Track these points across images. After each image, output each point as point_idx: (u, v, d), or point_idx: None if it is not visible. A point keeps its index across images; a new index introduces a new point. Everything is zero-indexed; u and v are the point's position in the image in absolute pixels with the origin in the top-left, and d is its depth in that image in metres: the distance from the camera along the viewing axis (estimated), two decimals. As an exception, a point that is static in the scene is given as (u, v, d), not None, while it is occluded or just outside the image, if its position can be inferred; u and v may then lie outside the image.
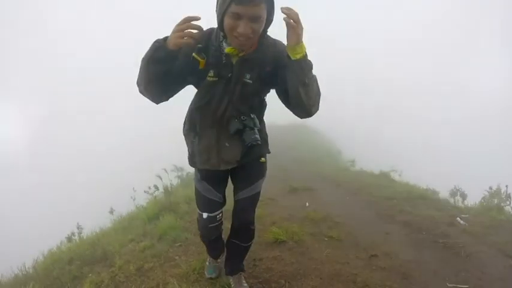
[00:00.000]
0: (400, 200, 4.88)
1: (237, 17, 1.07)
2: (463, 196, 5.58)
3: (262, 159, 1.64)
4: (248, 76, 1.28)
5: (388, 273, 2.51)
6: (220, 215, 1.76)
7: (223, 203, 1.76)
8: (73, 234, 4.83)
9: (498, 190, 4.90)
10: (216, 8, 1.17)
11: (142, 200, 5.77)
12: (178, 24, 1.09)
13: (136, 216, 4.46)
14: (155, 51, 1.13)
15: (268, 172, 1.82)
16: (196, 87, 1.42)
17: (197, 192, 1.72)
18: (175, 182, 6.51)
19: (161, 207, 4.27)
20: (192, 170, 2.14)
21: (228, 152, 1.43)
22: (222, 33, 1.20)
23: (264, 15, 1.13)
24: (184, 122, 1.54)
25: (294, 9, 1.09)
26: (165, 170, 5.69)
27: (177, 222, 3.60)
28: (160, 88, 1.28)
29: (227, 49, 1.22)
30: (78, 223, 5.21)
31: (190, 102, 1.50)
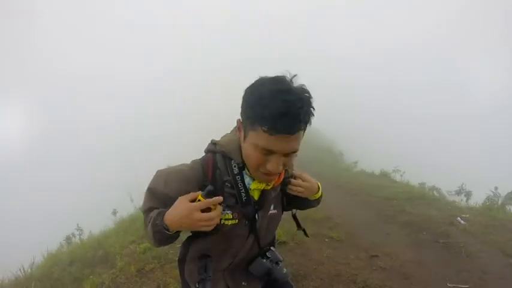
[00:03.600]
0: (400, 200, 4.88)
1: (267, 152, 0.84)
2: (468, 195, 5.59)
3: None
4: (272, 206, 1.05)
5: (388, 273, 2.52)
6: None
7: None
8: (73, 235, 4.85)
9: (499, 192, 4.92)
10: (244, 123, 0.86)
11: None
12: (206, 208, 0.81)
13: (137, 218, 4.46)
14: (160, 233, 0.88)
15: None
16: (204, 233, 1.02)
17: None
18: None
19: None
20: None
21: None
22: (234, 163, 0.94)
23: (299, 144, 0.88)
24: (181, 259, 1.14)
25: (301, 175, 1.05)
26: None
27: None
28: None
29: (253, 185, 0.94)
30: (77, 225, 5.22)
31: (185, 242, 1.12)
